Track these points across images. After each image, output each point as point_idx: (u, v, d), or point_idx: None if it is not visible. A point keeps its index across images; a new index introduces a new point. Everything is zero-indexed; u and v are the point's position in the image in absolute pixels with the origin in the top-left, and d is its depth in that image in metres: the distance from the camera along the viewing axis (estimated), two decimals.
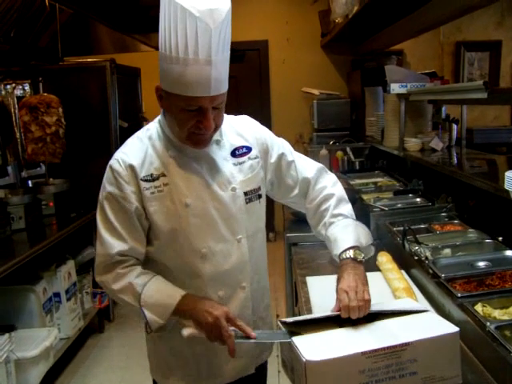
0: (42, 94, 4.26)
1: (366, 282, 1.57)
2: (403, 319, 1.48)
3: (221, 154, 1.70)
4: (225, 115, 1.67)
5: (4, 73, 4.36)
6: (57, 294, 3.69)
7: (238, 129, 1.78)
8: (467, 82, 6.06)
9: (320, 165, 1.89)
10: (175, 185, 1.62)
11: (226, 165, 1.70)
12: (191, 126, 1.55)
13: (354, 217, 1.80)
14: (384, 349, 1.33)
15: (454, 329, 1.39)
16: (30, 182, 4.54)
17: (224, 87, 1.54)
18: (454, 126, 3.97)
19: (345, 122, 5.66)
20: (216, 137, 1.68)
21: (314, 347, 1.36)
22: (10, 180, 4.31)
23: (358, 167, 4.83)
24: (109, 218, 1.62)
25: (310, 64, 6.42)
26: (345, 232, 1.70)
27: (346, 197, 1.84)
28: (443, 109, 4.08)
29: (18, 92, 4.37)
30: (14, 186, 4.28)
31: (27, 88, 4.43)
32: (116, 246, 1.61)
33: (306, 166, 1.85)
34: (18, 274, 3.24)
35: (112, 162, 1.63)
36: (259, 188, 1.76)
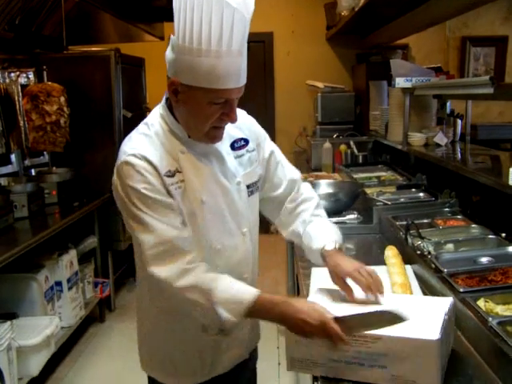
0: (45, 82, 4.26)
1: (361, 264, 1.64)
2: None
3: (224, 148, 1.68)
4: None
5: (8, 61, 4.35)
6: (58, 283, 3.70)
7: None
8: (472, 77, 6.04)
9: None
10: (190, 181, 1.56)
11: (229, 158, 1.69)
12: (215, 119, 1.51)
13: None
14: (353, 335, 1.38)
15: (433, 336, 1.32)
16: (33, 171, 4.54)
17: (246, 76, 1.53)
18: (459, 122, 3.96)
19: (349, 116, 5.64)
20: None
21: None
22: (14, 168, 4.32)
23: (361, 161, 4.82)
24: (150, 213, 1.49)
25: (314, 57, 6.40)
26: (326, 228, 1.78)
27: (321, 204, 1.92)
28: (448, 104, 4.06)
29: (22, 80, 4.35)
30: (17, 175, 4.29)
31: (31, 76, 4.41)
32: (171, 230, 1.49)
33: (291, 169, 1.89)
34: (20, 262, 3.25)
35: (127, 158, 1.50)
36: (258, 180, 1.77)
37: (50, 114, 4.04)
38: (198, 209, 1.57)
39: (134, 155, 1.50)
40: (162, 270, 1.47)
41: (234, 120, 1.55)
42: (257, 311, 1.48)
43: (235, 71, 1.46)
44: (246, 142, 1.75)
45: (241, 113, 1.79)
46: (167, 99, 1.61)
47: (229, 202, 1.65)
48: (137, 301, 1.84)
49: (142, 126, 1.63)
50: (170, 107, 1.60)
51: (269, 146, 1.83)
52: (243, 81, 1.51)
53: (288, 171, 1.86)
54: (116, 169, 1.53)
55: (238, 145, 1.73)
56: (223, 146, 1.68)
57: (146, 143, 1.55)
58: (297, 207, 1.84)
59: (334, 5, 5.27)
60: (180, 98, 1.51)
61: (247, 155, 1.74)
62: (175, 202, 1.53)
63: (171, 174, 1.53)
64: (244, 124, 1.77)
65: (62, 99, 4.12)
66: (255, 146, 1.78)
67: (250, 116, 1.85)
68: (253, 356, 1.94)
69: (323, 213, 1.87)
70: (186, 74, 1.46)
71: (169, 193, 1.52)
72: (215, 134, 1.58)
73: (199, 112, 1.50)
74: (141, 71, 5.40)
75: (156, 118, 1.63)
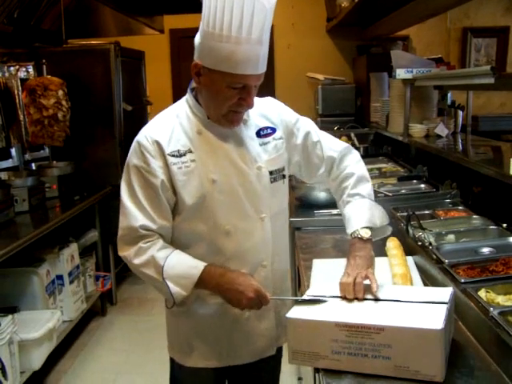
0: (44, 76, 4.25)
1: (370, 264, 1.65)
2: (404, 305, 1.48)
3: (247, 134, 1.73)
4: None
5: (7, 55, 4.34)
6: (60, 277, 3.71)
7: (262, 110, 1.80)
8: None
9: (345, 144, 1.91)
10: (202, 161, 1.64)
11: (252, 144, 1.72)
12: (233, 103, 1.59)
13: (373, 197, 1.82)
14: (357, 326, 1.38)
15: (437, 326, 1.32)
16: (33, 165, 4.54)
17: (266, 64, 1.60)
18: (460, 113, 3.95)
19: (349, 108, 5.64)
20: (244, 116, 1.71)
21: (304, 309, 1.51)
22: (14, 162, 4.32)
23: (362, 153, 4.78)
24: (135, 192, 1.63)
25: (315, 49, 6.37)
26: (358, 212, 1.74)
27: (366, 176, 1.85)
28: (449, 95, 4.05)
29: (22, 74, 4.34)
30: (18, 169, 4.29)
31: (31, 70, 4.41)
32: (140, 219, 1.62)
33: (330, 145, 1.87)
34: (21, 256, 3.25)
35: (139, 137, 1.65)
36: (283, 168, 1.80)
37: (47, 108, 4.02)
38: (208, 187, 1.63)
39: (145, 136, 1.64)
40: (123, 251, 1.65)
41: (250, 105, 1.62)
42: (202, 284, 1.62)
43: (253, 58, 1.52)
44: (273, 130, 1.79)
45: (268, 102, 1.85)
46: (192, 88, 1.71)
47: (245, 185, 1.68)
48: None
49: (167, 109, 1.75)
50: (194, 93, 1.70)
51: (303, 128, 1.85)
52: (262, 69, 1.57)
53: (326, 149, 1.85)
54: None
55: (264, 132, 1.77)
56: (247, 132, 1.73)
57: (161, 124, 1.67)
58: (339, 185, 1.84)
59: None
60: (201, 80, 1.60)
61: (273, 142, 1.77)
62: (164, 183, 1.61)
63: (179, 154, 1.63)
64: (272, 113, 1.81)
65: (60, 93, 4.10)
66: (284, 134, 1.81)
67: (277, 102, 1.88)
68: (279, 355, 1.95)
69: (363, 189, 1.80)
70: (207, 58, 1.54)
71: (169, 173, 1.62)
72: (233, 118, 1.64)
73: (218, 94, 1.58)
74: (141, 64, 5.38)
75: (182, 101, 1.75)
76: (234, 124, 1.66)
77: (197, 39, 1.59)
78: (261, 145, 1.74)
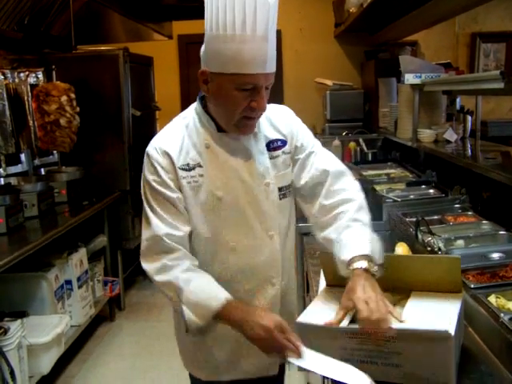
0: (51, 82, 4.27)
1: (383, 294, 1.43)
2: (413, 312, 1.46)
3: (257, 147, 1.65)
4: None
5: (17, 61, 4.38)
6: (68, 282, 3.72)
7: (273, 120, 1.71)
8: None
9: (345, 167, 1.74)
10: (210, 176, 1.60)
11: (262, 158, 1.65)
12: (244, 108, 1.52)
13: (372, 229, 1.60)
14: (366, 334, 1.34)
15: (448, 332, 1.28)
16: (42, 170, 4.56)
17: (275, 65, 1.55)
18: (469, 118, 3.93)
19: (358, 113, 5.62)
20: (255, 126, 1.63)
21: (314, 314, 1.48)
22: (23, 168, 4.34)
23: (370, 158, 4.80)
24: (153, 205, 1.58)
25: (323, 54, 6.37)
26: (361, 239, 1.52)
27: (366, 206, 1.66)
28: (457, 100, 4.03)
29: (32, 80, 4.38)
30: (27, 174, 4.30)
31: (40, 76, 4.44)
32: (163, 227, 1.56)
33: (327, 161, 1.71)
34: (30, 261, 3.26)
35: (149, 149, 1.61)
36: (291, 184, 1.72)
37: (48, 114, 4.04)
38: (215, 204, 1.60)
39: (154, 147, 1.59)
40: (147, 263, 1.58)
41: (263, 108, 1.55)
42: (221, 318, 1.51)
43: (261, 56, 1.47)
44: (284, 143, 1.70)
45: (281, 111, 1.76)
46: (202, 96, 1.65)
47: (253, 203, 1.63)
48: None
49: (176, 118, 1.69)
50: (203, 102, 1.65)
51: (307, 147, 1.71)
52: (270, 68, 1.51)
53: (321, 162, 1.69)
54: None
55: (274, 145, 1.69)
56: (258, 146, 1.66)
57: (171, 135, 1.62)
58: (335, 207, 1.62)
59: (342, 2, 5.24)
60: (210, 88, 1.54)
61: (282, 157, 1.69)
62: (180, 198, 1.58)
63: (189, 168, 1.59)
64: (283, 124, 1.72)
65: (64, 98, 4.09)
66: (292, 147, 1.71)
67: (290, 113, 1.77)
68: (281, 371, 1.89)
69: (365, 217, 1.61)
70: (213, 62, 1.50)
71: (180, 187, 1.58)
72: (246, 125, 1.58)
73: (227, 99, 1.52)
74: (149, 70, 5.41)
75: (190, 111, 1.68)
76: (246, 132, 1.60)
77: (202, 47, 1.55)
78: (270, 159, 1.67)
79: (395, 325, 1.35)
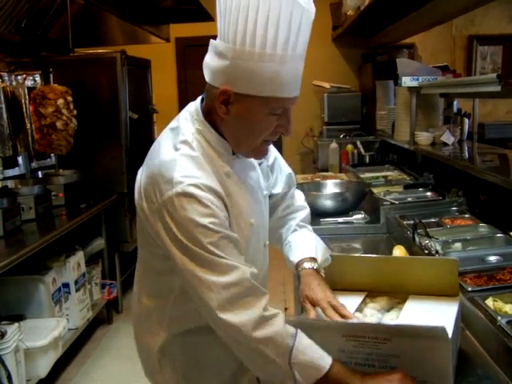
0: (48, 85, 4.27)
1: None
2: (409, 315, 1.46)
3: (255, 160, 1.55)
4: None
5: (15, 64, 4.37)
6: (66, 285, 3.70)
7: None
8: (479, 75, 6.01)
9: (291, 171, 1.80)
10: (238, 205, 1.40)
11: (259, 170, 1.57)
12: (270, 132, 1.37)
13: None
14: (363, 336, 1.34)
15: (447, 328, 1.27)
16: (39, 173, 4.55)
17: None
18: (466, 121, 3.94)
19: (355, 116, 5.63)
20: None
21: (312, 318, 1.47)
22: (21, 171, 4.34)
23: (368, 161, 4.81)
24: (217, 252, 1.27)
25: (320, 57, 6.37)
26: (308, 242, 1.66)
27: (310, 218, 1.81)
28: (455, 103, 4.04)
29: (29, 83, 4.38)
30: (24, 177, 4.31)
31: (38, 79, 4.44)
32: (242, 267, 1.30)
33: (286, 165, 1.76)
34: (27, 264, 3.25)
35: (186, 189, 1.27)
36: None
37: (45, 117, 4.03)
38: (247, 232, 1.44)
39: (196, 185, 1.28)
40: (236, 316, 1.26)
41: (289, 132, 1.40)
42: (327, 380, 1.28)
43: (297, 77, 1.34)
44: None
45: None
46: (204, 112, 1.41)
47: (263, 219, 1.57)
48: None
49: (181, 146, 1.36)
50: (208, 120, 1.41)
51: (273, 153, 1.70)
52: (300, 88, 1.38)
53: (284, 166, 1.74)
54: (163, 201, 1.29)
55: None
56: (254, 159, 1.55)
57: (194, 166, 1.33)
58: (288, 214, 1.74)
59: (340, 5, 5.26)
60: (231, 110, 1.33)
61: (264, 164, 1.63)
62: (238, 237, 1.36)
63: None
64: None
65: (60, 101, 4.07)
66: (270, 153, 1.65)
67: None
68: None
69: (310, 226, 1.76)
70: (243, 82, 1.29)
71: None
72: (264, 149, 1.44)
73: (255, 124, 1.34)
74: (147, 73, 5.40)
75: (191, 133, 1.39)
76: (261, 156, 1.48)
77: (216, 61, 1.31)
78: (259, 167, 1.58)
79: (393, 322, 1.35)
